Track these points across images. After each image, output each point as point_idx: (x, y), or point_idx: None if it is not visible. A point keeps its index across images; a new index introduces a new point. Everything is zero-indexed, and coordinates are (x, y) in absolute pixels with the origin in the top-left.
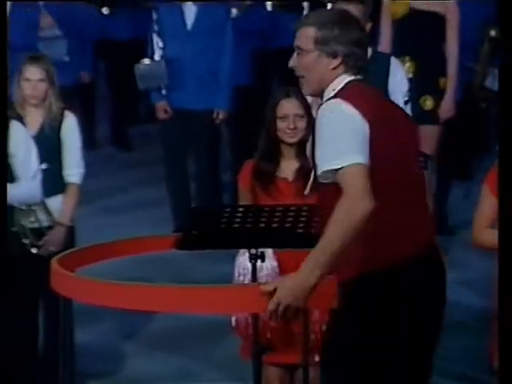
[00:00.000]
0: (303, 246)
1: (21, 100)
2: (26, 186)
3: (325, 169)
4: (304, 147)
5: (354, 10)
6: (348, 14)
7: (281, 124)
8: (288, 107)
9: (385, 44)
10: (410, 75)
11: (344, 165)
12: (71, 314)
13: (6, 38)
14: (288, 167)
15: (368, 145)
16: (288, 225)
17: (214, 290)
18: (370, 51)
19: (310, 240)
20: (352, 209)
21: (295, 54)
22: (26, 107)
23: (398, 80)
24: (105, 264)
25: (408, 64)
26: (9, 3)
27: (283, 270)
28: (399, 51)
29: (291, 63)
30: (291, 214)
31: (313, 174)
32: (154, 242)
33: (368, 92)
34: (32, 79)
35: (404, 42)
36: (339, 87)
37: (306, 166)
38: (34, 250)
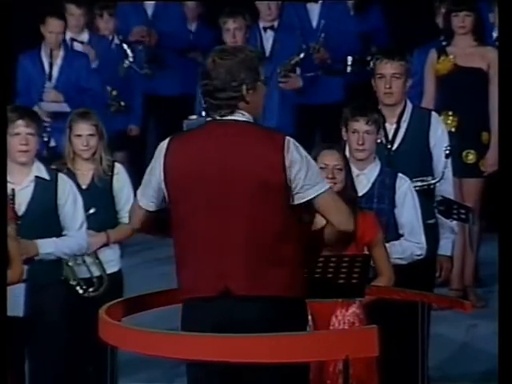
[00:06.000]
0: (343, 296)
1: (72, 155)
2: (72, 236)
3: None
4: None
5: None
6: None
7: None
8: (329, 158)
9: (428, 100)
10: (453, 129)
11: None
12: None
13: (8, 40)
14: None
15: (157, 185)
16: (330, 275)
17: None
18: None
19: (350, 291)
20: None
21: None
22: (77, 161)
23: (439, 135)
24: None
25: (450, 118)
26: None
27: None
28: (442, 106)
29: None
30: (332, 264)
31: None
32: None
33: (205, 133)
34: (83, 134)
35: (447, 97)
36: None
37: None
38: (85, 295)
